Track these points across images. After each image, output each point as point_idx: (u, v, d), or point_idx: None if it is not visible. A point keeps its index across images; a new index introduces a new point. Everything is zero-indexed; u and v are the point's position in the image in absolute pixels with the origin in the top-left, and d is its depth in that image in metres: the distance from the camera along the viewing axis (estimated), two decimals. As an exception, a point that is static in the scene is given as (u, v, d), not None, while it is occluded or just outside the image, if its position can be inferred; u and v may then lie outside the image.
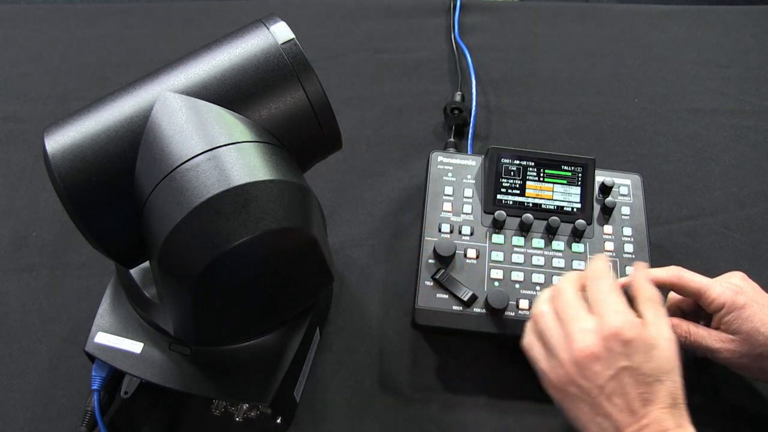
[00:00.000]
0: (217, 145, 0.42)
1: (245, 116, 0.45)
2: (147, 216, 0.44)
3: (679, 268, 0.59)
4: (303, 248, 0.44)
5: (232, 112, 0.44)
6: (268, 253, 0.42)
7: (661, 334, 0.48)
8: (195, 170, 0.41)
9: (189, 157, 0.42)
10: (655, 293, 0.52)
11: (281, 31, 0.45)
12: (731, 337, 0.56)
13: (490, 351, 0.66)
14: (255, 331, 0.55)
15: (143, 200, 0.44)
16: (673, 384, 0.47)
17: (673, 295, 0.63)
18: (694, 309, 0.61)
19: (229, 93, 0.45)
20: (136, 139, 0.45)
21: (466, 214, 0.67)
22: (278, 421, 0.58)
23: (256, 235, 0.40)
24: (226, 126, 0.43)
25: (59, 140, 0.46)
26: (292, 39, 0.45)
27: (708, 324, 0.58)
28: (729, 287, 0.57)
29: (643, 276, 0.60)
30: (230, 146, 0.42)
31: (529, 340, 0.53)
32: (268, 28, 0.46)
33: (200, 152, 0.41)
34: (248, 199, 0.40)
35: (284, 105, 0.46)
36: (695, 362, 0.64)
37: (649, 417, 0.45)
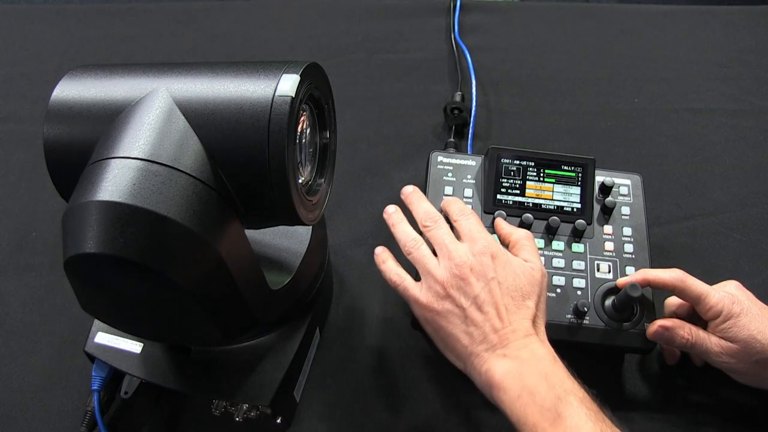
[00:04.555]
0: (156, 161, 0.41)
1: (208, 144, 0.44)
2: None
3: (683, 272, 0.59)
4: (160, 286, 0.43)
5: (197, 137, 0.43)
6: (118, 272, 0.42)
7: (534, 269, 0.53)
8: (115, 169, 0.41)
9: (124, 155, 0.42)
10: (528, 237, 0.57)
11: (285, 84, 0.44)
12: (729, 343, 0.57)
13: (490, 351, 0.66)
14: (158, 338, 0.55)
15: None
16: (533, 306, 0.52)
17: (670, 300, 0.63)
18: (689, 315, 0.61)
19: (206, 117, 0.44)
20: (113, 116, 0.45)
21: (466, 214, 0.67)
22: (278, 421, 0.58)
23: (110, 254, 0.40)
24: (179, 148, 0.42)
25: (66, 89, 0.47)
26: (289, 96, 0.43)
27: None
28: (726, 296, 0.58)
29: (641, 276, 0.61)
30: (166, 168, 0.41)
31: (398, 273, 0.55)
32: (281, 75, 0.44)
33: (137, 157, 0.41)
34: (129, 221, 0.40)
35: (244, 153, 0.43)
36: (702, 371, 0.65)
37: (514, 324, 0.50)
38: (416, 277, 0.55)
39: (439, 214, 0.57)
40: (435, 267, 0.53)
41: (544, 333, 0.52)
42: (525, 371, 0.47)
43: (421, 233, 0.57)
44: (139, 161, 0.41)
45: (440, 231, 0.55)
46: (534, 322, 0.51)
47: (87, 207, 0.41)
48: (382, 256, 0.58)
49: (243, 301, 0.48)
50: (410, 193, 0.60)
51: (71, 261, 0.41)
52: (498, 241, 0.56)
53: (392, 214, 0.59)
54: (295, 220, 0.48)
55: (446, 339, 0.52)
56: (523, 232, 0.58)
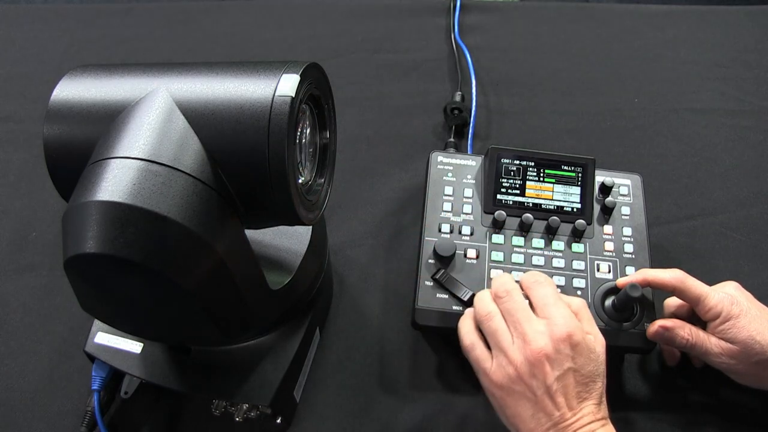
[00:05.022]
0: (156, 161, 0.41)
1: (208, 144, 0.44)
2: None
3: (683, 272, 0.59)
4: (160, 286, 0.43)
5: (197, 137, 0.43)
6: (120, 271, 0.42)
7: (598, 341, 0.52)
8: (115, 168, 0.41)
9: (124, 155, 0.42)
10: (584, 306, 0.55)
11: (285, 84, 0.44)
12: (729, 344, 0.57)
13: (490, 351, 0.66)
14: (157, 338, 0.55)
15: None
16: (602, 385, 0.51)
17: (670, 301, 0.63)
18: (689, 316, 0.61)
19: (207, 118, 0.44)
20: (113, 116, 0.45)
21: (466, 214, 0.67)
22: (278, 421, 0.58)
23: (110, 254, 0.40)
24: (179, 148, 0.42)
25: (66, 89, 0.47)
26: (289, 96, 0.43)
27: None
28: (725, 297, 0.58)
29: (641, 276, 0.61)
30: (166, 168, 0.41)
31: (471, 340, 0.54)
32: (281, 75, 0.44)
33: (137, 157, 0.41)
34: (129, 221, 0.40)
35: (244, 153, 0.43)
36: (702, 371, 0.64)
37: (582, 411, 0.49)
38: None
39: (513, 284, 0.54)
40: (509, 346, 0.51)
41: (607, 410, 0.51)
42: None
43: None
44: (139, 161, 0.41)
45: (514, 304, 0.52)
46: (600, 402, 0.50)
47: (87, 207, 0.41)
48: (467, 314, 0.56)
49: (243, 301, 0.48)
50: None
51: (71, 261, 0.41)
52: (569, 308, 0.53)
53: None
54: (295, 220, 0.48)
55: (511, 418, 0.51)
56: (581, 301, 0.55)
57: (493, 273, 0.64)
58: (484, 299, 0.55)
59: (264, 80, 0.44)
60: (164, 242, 0.41)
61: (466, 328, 0.55)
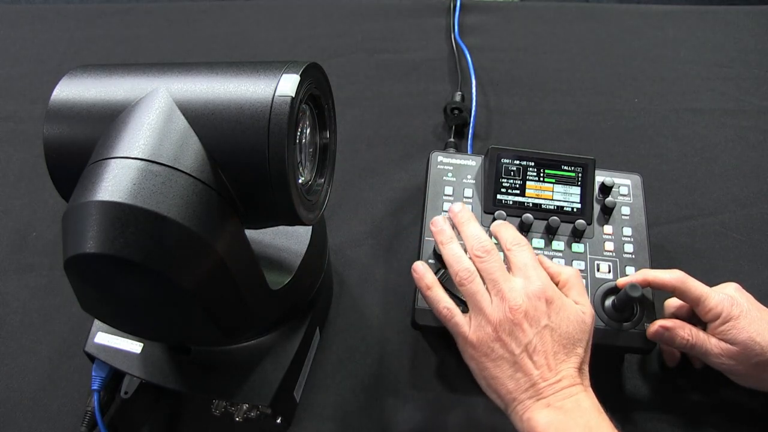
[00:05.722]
0: (156, 161, 0.41)
1: (208, 144, 0.44)
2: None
3: (683, 273, 0.59)
4: (160, 286, 0.43)
5: (197, 137, 0.43)
6: (121, 270, 0.42)
7: (587, 312, 0.53)
8: (115, 168, 0.41)
9: (124, 155, 0.42)
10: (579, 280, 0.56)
11: (285, 84, 0.44)
12: (729, 345, 0.57)
13: (490, 351, 0.66)
14: (158, 338, 0.55)
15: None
16: (584, 353, 0.51)
17: (670, 301, 0.63)
18: (689, 317, 0.61)
19: (206, 118, 0.44)
20: (113, 116, 0.45)
21: (466, 214, 0.67)
22: (278, 421, 0.58)
23: (110, 254, 0.40)
24: (179, 148, 0.42)
25: (66, 89, 0.47)
26: (289, 96, 0.43)
27: None
28: (725, 298, 0.58)
29: (641, 276, 0.61)
30: (166, 168, 0.41)
31: (448, 305, 0.53)
32: (281, 75, 0.44)
33: (137, 157, 0.41)
34: (129, 221, 0.40)
35: (244, 153, 0.43)
36: (702, 371, 0.64)
37: (562, 373, 0.49)
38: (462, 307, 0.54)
39: (491, 242, 0.54)
40: (488, 306, 0.51)
41: (589, 379, 0.51)
42: (568, 423, 0.47)
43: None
44: (139, 161, 0.41)
45: (493, 264, 0.53)
46: (580, 368, 0.50)
47: (87, 207, 0.41)
48: (426, 278, 0.56)
49: (243, 301, 0.47)
50: (459, 211, 0.58)
51: (71, 261, 0.41)
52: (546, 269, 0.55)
53: (442, 230, 0.57)
54: (295, 220, 0.48)
55: (490, 380, 0.51)
56: (572, 270, 0.56)
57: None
58: (461, 258, 0.54)
59: (264, 80, 0.44)
60: (164, 242, 0.41)
61: (437, 297, 0.54)
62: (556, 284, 0.54)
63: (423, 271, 0.57)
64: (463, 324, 0.52)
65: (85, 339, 0.57)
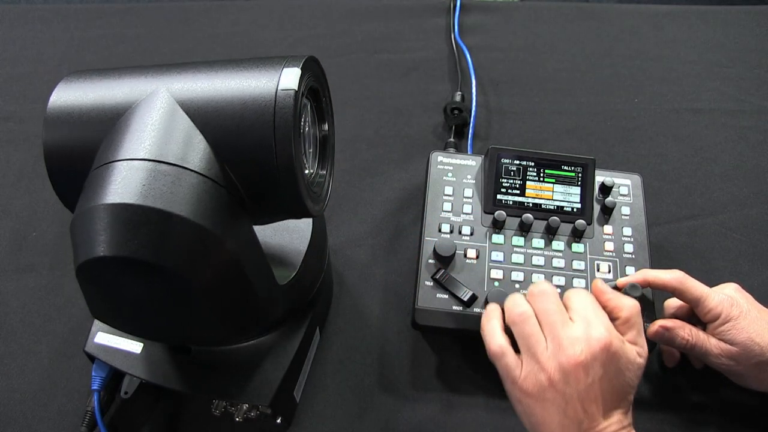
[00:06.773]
0: (163, 161, 0.41)
1: (213, 141, 0.44)
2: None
3: (683, 273, 0.59)
4: (174, 286, 0.43)
5: (201, 135, 0.43)
6: (132, 272, 0.42)
7: (643, 353, 0.50)
8: (123, 171, 0.41)
9: (130, 158, 0.42)
10: (639, 319, 0.52)
11: (287, 78, 0.44)
12: (728, 346, 0.57)
13: (490, 351, 0.66)
14: (165, 340, 0.55)
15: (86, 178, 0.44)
16: (632, 396, 0.49)
17: (670, 301, 0.63)
18: (688, 317, 0.61)
19: (210, 115, 0.44)
20: (114, 120, 0.45)
21: (466, 214, 0.67)
22: (278, 421, 0.58)
23: (124, 256, 0.40)
24: (185, 147, 0.42)
25: (63, 95, 0.47)
26: (292, 90, 0.43)
27: None
28: (725, 298, 0.58)
29: (641, 276, 0.60)
30: (173, 167, 0.41)
31: (500, 344, 0.50)
32: (281, 69, 0.44)
33: (144, 158, 0.41)
34: (141, 222, 0.40)
35: (250, 149, 0.43)
36: (702, 371, 0.64)
37: (612, 419, 0.47)
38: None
39: (552, 286, 0.51)
40: (542, 352, 0.48)
41: (632, 413, 0.49)
42: None
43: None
44: (146, 162, 0.41)
45: (550, 305, 0.50)
46: (628, 410, 0.49)
47: (97, 211, 0.40)
48: (492, 314, 0.53)
49: (255, 297, 0.48)
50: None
51: (84, 266, 0.41)
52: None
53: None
54: (304, 212, 0.48)
55: (536, 425, 0.48)
56: (634, 307, 0.51)
57: (494, 273, 0.64)
58: (516, 300, 0.52)
59: (265, 75, 0.44)
60: (178, 241, 0.41)
61: (492, 331, 0.51)
62: (615, 320, 0.51)
63: (493, 307, 0.54)
64: (515, 368, 0.49)
65: (85, 339, 0.57)
